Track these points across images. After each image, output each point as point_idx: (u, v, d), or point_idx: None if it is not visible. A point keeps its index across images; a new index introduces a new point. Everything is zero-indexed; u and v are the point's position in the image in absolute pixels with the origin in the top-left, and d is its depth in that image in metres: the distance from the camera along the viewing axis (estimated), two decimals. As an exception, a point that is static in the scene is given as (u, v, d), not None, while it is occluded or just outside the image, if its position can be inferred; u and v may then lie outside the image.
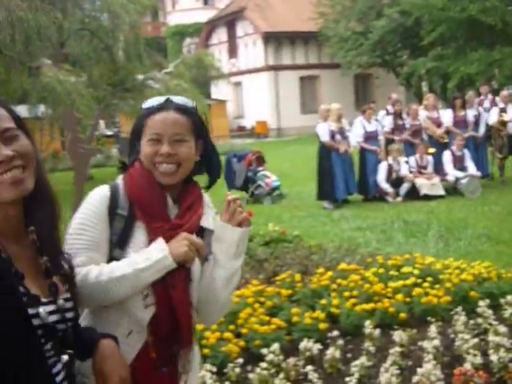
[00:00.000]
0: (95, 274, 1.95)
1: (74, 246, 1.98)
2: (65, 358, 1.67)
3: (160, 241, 2.00)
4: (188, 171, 2.12)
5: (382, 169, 12.10)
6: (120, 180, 2.13)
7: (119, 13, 19.15)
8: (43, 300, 1.56)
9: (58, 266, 1.66)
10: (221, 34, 37.64)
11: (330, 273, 5.82)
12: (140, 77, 19.76)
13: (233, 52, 36.54)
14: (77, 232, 2.01)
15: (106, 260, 2.01)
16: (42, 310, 1.53)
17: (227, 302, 2.23)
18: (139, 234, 2.05)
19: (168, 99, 2.12)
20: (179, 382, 2.09)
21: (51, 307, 1.57)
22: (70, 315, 1.64)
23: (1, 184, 1.51)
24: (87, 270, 1.95)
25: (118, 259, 2.00)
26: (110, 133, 27.31)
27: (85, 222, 2.02)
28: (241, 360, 4.39)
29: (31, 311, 1.50)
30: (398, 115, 12.82)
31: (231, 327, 4.78)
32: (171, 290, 2.01)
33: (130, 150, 2.20)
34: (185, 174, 2.11)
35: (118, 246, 2.02)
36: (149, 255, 1.97)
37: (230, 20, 36.12)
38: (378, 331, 4.74)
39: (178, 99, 2.13)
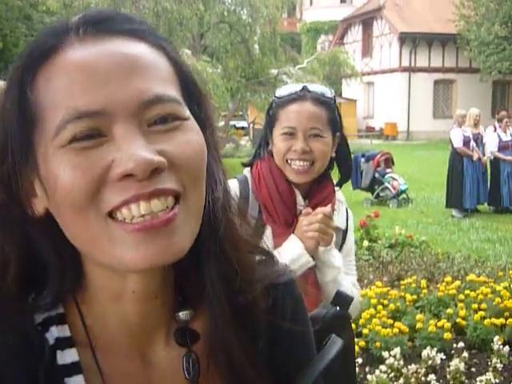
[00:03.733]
0: None
1: None
2: None
3: (293, 240, 1.83)
4: (322, 169, 1.92)
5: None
6: (248, 174, 1.97)
7: (259, 7, 19.49)
8: None
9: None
10: (356, 33, 37.28)
11: (457, 282, 5.62)
12: (274, 71, 20.00)
13: (367, 51, 36.08)
14: None
15: None
16: None
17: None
18: (265, 237, 1.86)
19: (304, 88, 1.90)
20: None
21: None
22: None
23: (122, 233, 0.65)
24: None
25: None
26: (240, 124, 27.87)
27: None
28: (360, 360, 4.35)
29: None
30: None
31: (352, 326, 4.73)
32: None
33: (260, 141, 2.02)
34: (318, 173, 1.91)
35: None
36: (283, 256, 1.74)
37: (366, 19, 35.66)
38: (507, 348, 4.52)
39: (315, 88, 1.92)
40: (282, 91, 1.93)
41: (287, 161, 1.88)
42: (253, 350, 0.78)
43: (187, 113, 0.70)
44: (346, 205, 2.07)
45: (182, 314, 0.76)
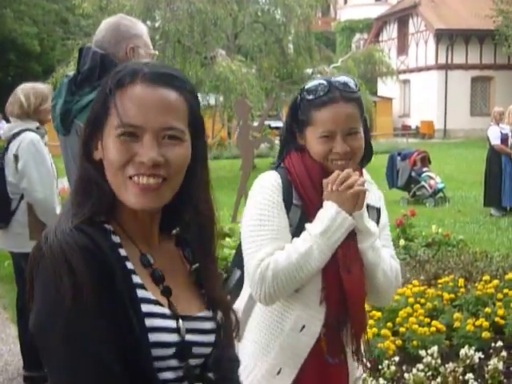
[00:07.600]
0: (284, 256, 1.87)
1: (259, 238, 1.91)
2: None
3: (326, 203, 1.90)
4: (358, 161, 1.99)
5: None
6: (283, 167, 2.03)
7: (293, 6, 19.47)
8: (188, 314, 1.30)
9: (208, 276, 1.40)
10: (391, 31, 36.98)
11: (495, 281, 5.55)
12: (308, 70, 19.96)
13: (402, 49, 35.77)
14: (258, 224, 1.92)
15: None
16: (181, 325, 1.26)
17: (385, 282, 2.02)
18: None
19: (331, 85, 1.91)
20: (348, 372, 2.00)
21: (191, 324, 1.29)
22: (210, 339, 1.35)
23: (131, 188, 1.22)
24: (275, 257, 1.87)
25: None
26: (274, 124, 27.86)
27: (265, 212, 1.92)
28: (397, 358, 4.33)
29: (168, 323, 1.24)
30: None
31: (389, 325, 4.72)
32: (344, 274, 1.90)
33: (286, 138, 2.07)
34: (356, 165, 1.98)
35: (295, 237, 1.93)
36: (321, 219, 1.88)
37: (401, 16, 35.36)
38: (546, 347, 4.46)
39: (341, 83, 1.93)
40: (309, 90, 1.95)
41: (328, 160, 1.93)
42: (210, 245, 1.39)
43: (186, 137, 1.26)
44: (374, 182, 2.14)
45: (175, 231, 1.40)
